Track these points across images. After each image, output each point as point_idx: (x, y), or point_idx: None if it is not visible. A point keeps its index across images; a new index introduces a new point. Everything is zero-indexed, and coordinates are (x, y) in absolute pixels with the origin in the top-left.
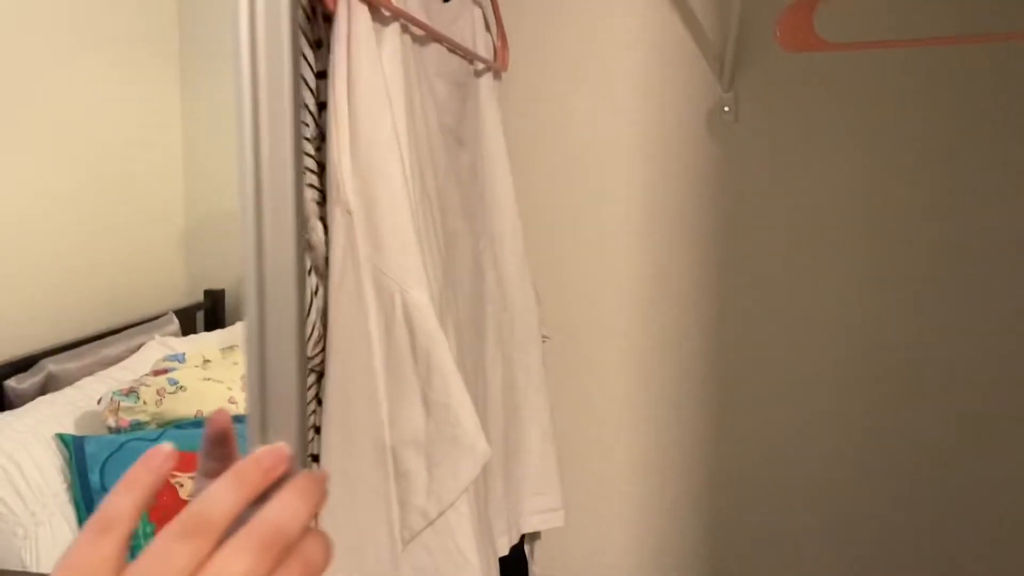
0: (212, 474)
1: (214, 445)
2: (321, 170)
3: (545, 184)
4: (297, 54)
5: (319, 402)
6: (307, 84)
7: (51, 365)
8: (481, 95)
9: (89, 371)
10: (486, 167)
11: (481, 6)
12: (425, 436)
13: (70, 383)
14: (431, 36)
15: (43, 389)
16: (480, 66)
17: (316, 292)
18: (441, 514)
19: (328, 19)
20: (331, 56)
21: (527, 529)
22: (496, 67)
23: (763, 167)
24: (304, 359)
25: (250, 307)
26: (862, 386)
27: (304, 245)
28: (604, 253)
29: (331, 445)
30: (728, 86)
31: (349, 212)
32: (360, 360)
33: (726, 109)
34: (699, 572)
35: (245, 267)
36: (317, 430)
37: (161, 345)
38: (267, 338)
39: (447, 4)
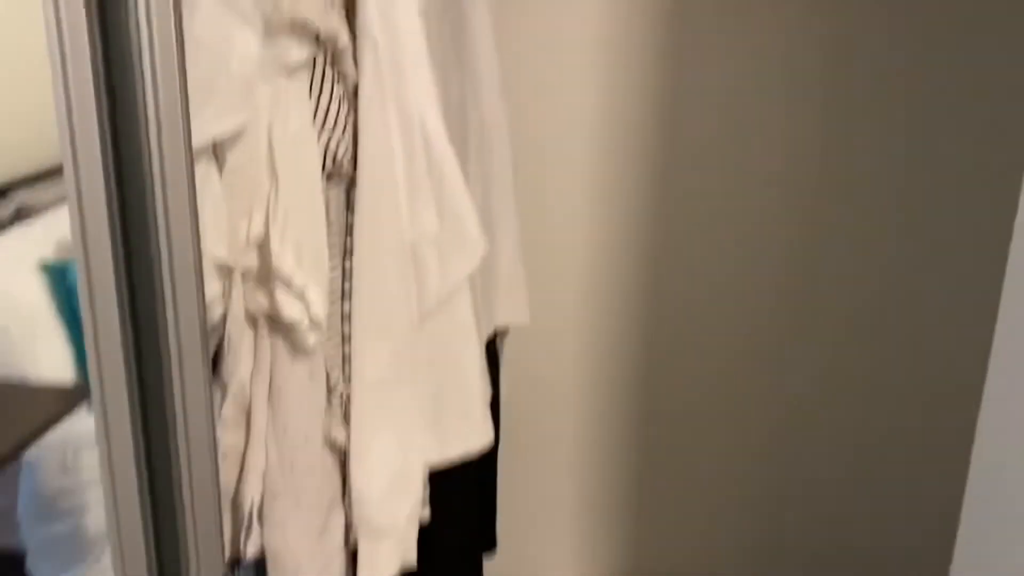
0: None
1: None
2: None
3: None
4: None
5: (350, 208)
6: None
7: (23, 195)
8: None
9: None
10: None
11: None
12: (437, 234)
13: (46, 209)
14: None
15: (17, 217)
16: None
17: (348, 115)
18: (450, 295)
19: None
20: None
21: (499, 323)
22: None
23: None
24: None
25: None
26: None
27: None
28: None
29: (362, 241)
30: None
31: (376, 43)
32: (385, 171)
33: None
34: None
35: None
36: (350, 231)
37: None
38: None
39: None
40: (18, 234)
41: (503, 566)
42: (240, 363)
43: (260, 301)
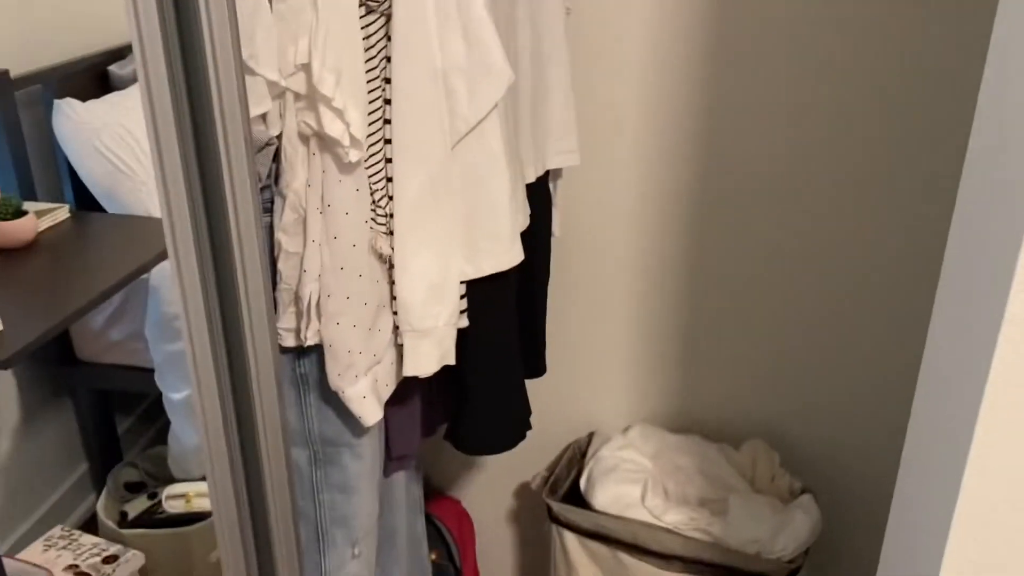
0: None
1: None
2: None
3: None
4: None
5: (388, 38)
6: None
7: None
8: None
9: None
10: None
11: None
12: (466, 63)
13: None
14: None
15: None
16: None
17: None
18: (479, 122)
19: None
20: None
21: (551, 166)
22: None
23: None
24: None
25: None
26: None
27: None
28: None
29: (399, 69)
30: None
31: None
32: (417, 2)
33: None
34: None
35: None
36: (389, 60)
37: None
38: None
39: None
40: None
41: (553, 404)
42: (296, 176)
43: (309, 121)
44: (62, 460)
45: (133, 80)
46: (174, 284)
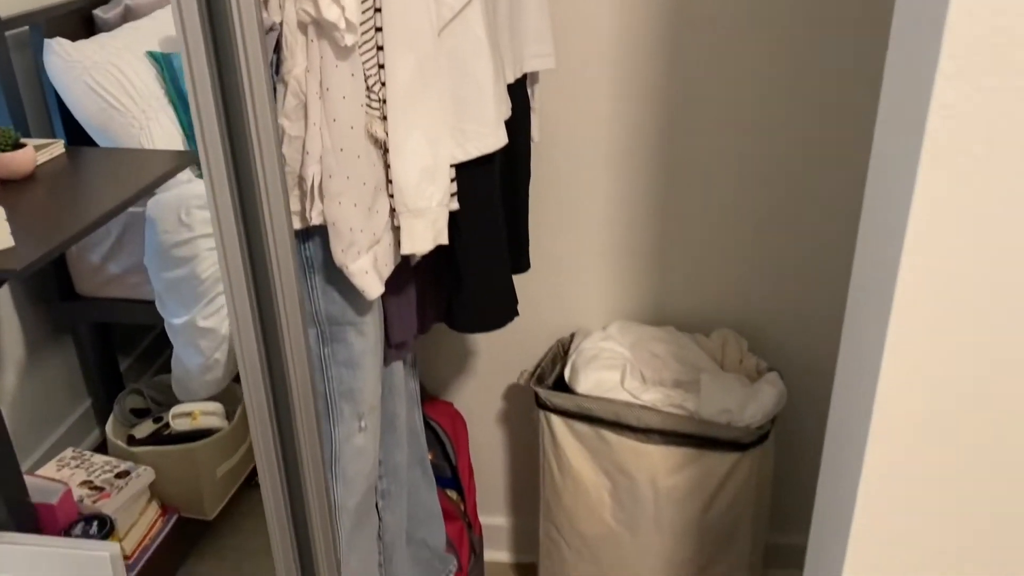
0: None
1: None
2: None
3: None
4: None
5: None
6: None
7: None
8: None
9: (164, 4)
10: None
11: None
12: None
13: (147, 14)
14: None
15: (124, 18)
16: None
17: None
18: (463, 7)
19: None
20: None
21: (528, 68)
22: None
23: None
24: None
25: None
26: None
27: None
28: None
29: None
30: None
31: None
32: None
33: None
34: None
35: None
36: None
37: None
38: None
39: None
40: (128, 30)
41: (537, 308)
42: (296, 63)
43: (307, 8)
44: (66, 396)
45: (117, 23)
46: (204, 174)
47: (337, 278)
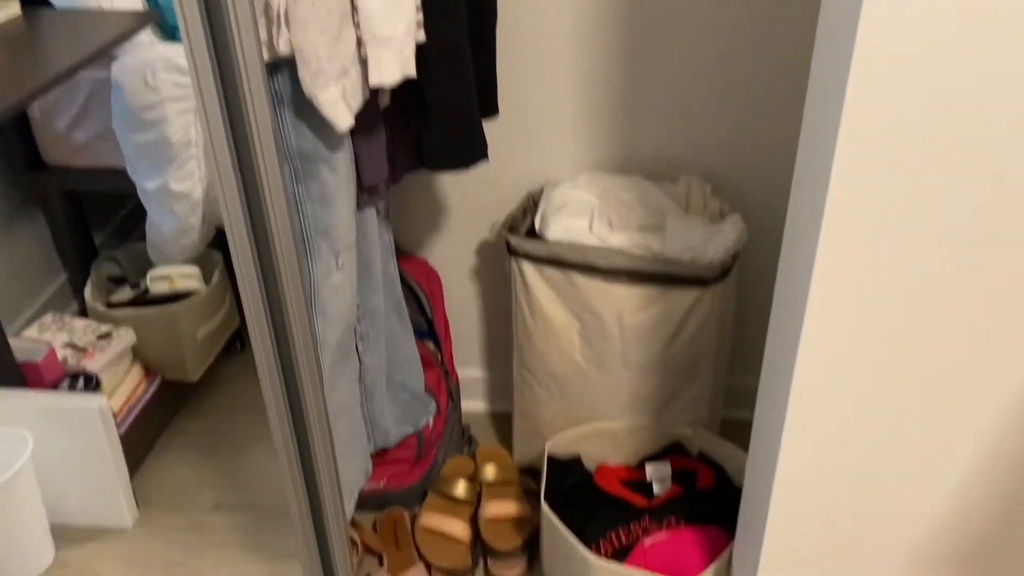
0: None
1: None
2: None
3: None
4: None
5: None
6: None
7: None
8: None
9: None
10: None
11: None
12: None
13: None
14: None
15: None
16: None
17: None
18: None
19: None
20: None
21: None
22: None
23: None
24: None
25: None
26: None
27: None
28: None
29: None
30: None
31: None
32: None
33: None
34: None
35: None
36: None
37: None
38: None
39: None
40: None
41: (506, 163)
42: None
43: None
44: (41, 270)
45: None
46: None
47: (307, 112)
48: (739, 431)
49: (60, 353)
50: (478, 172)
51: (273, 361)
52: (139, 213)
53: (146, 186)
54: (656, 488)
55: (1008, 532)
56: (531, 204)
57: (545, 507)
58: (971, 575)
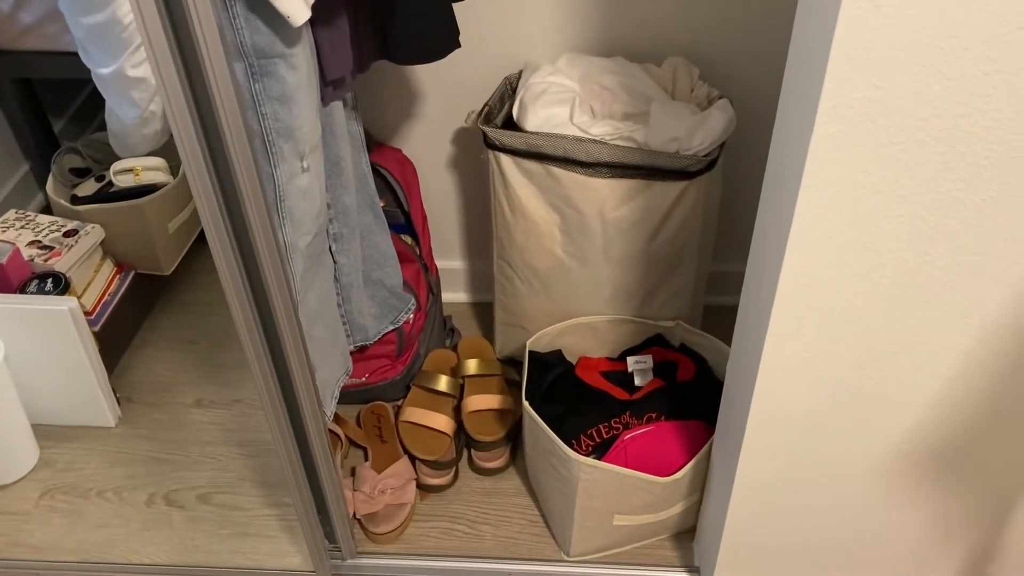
0: None
1: None
2: None
3: None
4: None
5: None
6: None
7: None
8: None
9: None
10: None
11: None
12: None
13: None
14: None
15: None
16: None
17: None
18: None
19: None
20: None
21: None
22: None
23: None
24: None
25: None
26: None
27: None
28: None
29: None
30: None
31: None
32: None
33: None
34: None
35: None
36: None
37: None
38: None
39: None
40: None
41: (482, 45)
42: None
43: None
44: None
45: None
46: None
47: (260, 5)
48: (721, 317)
49: (26, 253)
50: (452, 55)
51: (236, 271)
52: (98, 99)
53: (101, 72)
54: (637, 380)
55: (985, 437)
56: (509, 89)
57: (526, 405)
58: (948, 475)
